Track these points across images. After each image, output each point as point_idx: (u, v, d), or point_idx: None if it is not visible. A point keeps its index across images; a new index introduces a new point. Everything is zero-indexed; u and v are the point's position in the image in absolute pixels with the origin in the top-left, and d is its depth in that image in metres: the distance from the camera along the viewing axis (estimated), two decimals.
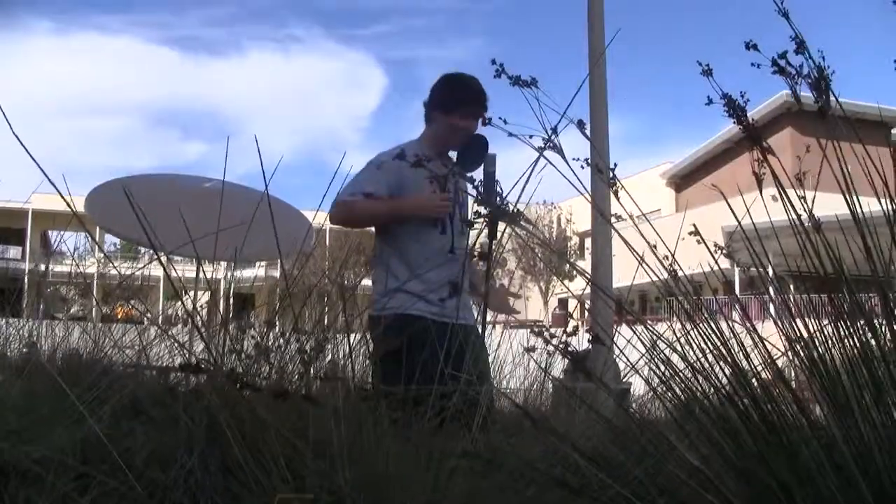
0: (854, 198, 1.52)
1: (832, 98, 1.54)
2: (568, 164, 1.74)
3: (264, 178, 2.56)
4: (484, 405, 1.94)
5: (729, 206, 1.79)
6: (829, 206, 1.82)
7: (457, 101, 3.36)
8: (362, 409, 1.76)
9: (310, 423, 1.65)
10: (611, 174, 1.81)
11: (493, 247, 3.26)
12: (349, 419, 1.61)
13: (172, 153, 66.81)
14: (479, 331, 3.23)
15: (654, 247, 1.66)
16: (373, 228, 3.53)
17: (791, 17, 1.55)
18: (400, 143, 3.43)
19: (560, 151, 1.76)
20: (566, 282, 30.18)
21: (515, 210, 2.08)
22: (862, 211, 1.52)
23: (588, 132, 1.84)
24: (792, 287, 1.83)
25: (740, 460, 1.40)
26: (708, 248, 1.75)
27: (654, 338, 1.63)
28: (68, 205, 2.27)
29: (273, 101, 76.02)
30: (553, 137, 1.73)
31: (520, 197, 2.36)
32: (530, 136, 1.78)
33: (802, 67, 1.50)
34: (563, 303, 34.61)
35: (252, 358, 2.10)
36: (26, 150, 2.02)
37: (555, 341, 1.68)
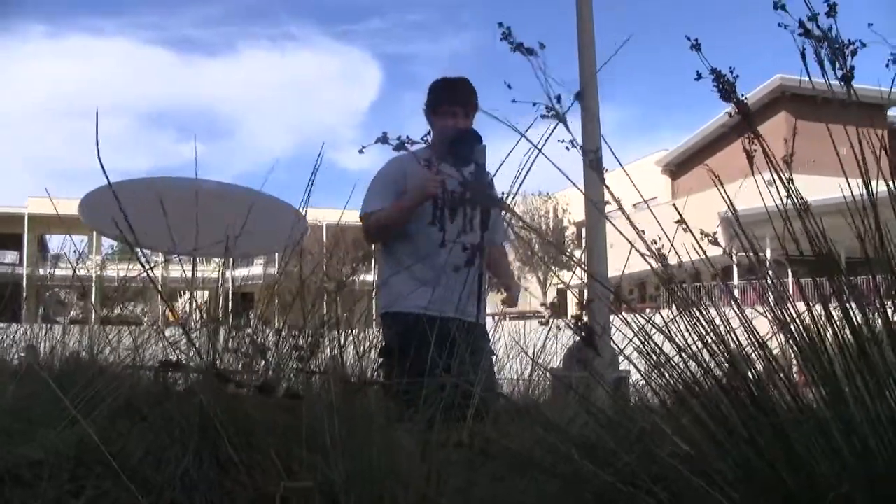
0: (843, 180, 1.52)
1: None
2: (571, 135, 1.72)
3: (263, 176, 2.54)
4: (477, 397, 1.94)
5: (724, 192, 1.78)
6: (830, 189, 1.82)
7: (440, 101, 3.53)
8: (356, 402, 1.76)
9: (303, 418, 1.65)
10: (600, 158, 1.80)
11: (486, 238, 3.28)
12: (342, 413, 1.62)
13: (168, 154, 66.69)
14: (482, 326, 3.27)
15: (643, 232, 1.65)
16: None
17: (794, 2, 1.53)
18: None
19: (564, 122, 1.73)
20: (564, 272, 30.15)
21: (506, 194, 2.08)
22: (866, 193, 1.52)
23: (580, 116, 1.82)
24: (789, 272, 1.83)
25: (732, 446, 1.41)
26: (694, 235, 1.74)
27: (646, 325, 1.63)
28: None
29: (269, 99, 75.99)
30: (557, 107, 1.71)
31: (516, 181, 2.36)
32: (533, 104, 1.75)
33: (831, 30, 1.48)
34: (562, 294, 34.60)
35: (248, 355, 2.10)
36: None
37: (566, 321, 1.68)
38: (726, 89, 1.57)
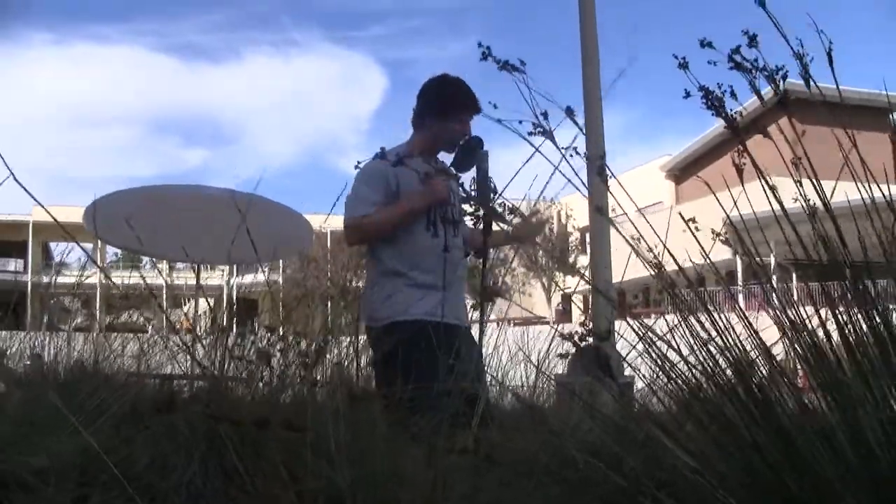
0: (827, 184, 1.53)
1: (816, 85, 1.54)
2: (561, 152, 1.73)
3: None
4: (483, 402, 1.94)
5: (730, 196, 1.78)
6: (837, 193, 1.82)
7: (453, 105, 3.35)
8: (361, 408, 1.76)
9: (308, 425, 1.65)
10: (605, 166, 1.80)
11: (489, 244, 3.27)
12: (348, 419, 1.62)
13: (174, 161, 66.89)
14: (470, 331, 3.23)
15: (640, 239, 1.66)
16: None
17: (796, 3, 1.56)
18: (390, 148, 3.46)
19: (552, 139, 1.74)
20: (569, 277, 30.14)
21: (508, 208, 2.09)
22: (867, 197, 1.52)
23: (582, 125, 1.83)
24: (794, 275, 1.83)
25: (736, 450, 1.41)
26: (698, 240, 1.75)
27: (650, 331, 1.63)
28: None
29: (273, 105, 76.19)
30: (544, 123, 1.72)
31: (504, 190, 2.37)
32: (520, 122, 1.76)
33: (758, 61, 1.52)
34: (567, 298, 34.53)
35: (253, 363, 2.10)
36: None
37: (577, 338, 1.69)
38: (714, 105, 1.58)
